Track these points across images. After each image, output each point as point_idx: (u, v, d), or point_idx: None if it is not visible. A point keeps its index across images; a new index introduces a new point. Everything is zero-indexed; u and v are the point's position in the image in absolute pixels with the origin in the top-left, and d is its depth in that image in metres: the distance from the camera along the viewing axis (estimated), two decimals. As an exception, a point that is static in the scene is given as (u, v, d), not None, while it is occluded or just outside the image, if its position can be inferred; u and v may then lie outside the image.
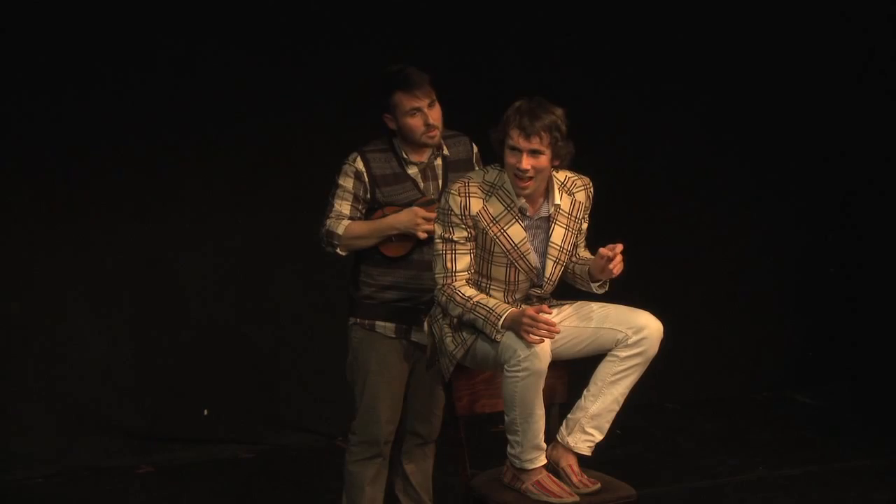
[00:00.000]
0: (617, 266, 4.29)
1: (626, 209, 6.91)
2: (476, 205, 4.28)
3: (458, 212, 4.27)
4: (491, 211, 4.29)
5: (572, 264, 4.47)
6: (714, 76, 7.16)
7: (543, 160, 4.23)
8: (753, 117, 7.28)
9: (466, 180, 4.33)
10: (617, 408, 4.34)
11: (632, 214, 6.97)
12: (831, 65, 7.32)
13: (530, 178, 4.23)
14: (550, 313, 4.17)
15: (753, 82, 7.24)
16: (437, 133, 4.69)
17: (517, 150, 4.21)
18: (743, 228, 7.41)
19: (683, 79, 7.10)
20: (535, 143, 4.20)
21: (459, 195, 4.28)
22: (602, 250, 4.29)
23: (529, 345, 4.08)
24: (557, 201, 4.36)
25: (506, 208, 4.30)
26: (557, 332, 4.12)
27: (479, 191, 4.29)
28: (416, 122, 4.64)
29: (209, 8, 6.21)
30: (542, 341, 4.09)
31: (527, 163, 4.21)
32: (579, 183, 4.44)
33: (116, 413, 6.26)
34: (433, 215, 4.57)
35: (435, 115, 4.65)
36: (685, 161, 7.16)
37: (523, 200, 4.30)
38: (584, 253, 4.53)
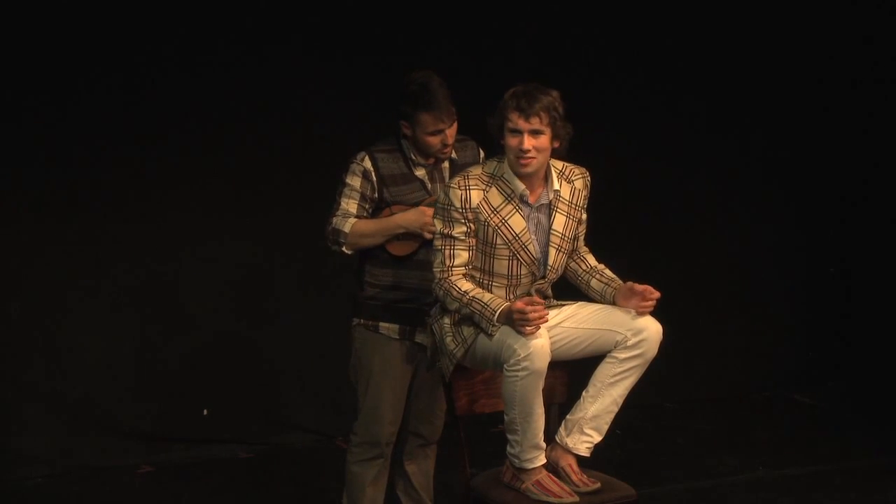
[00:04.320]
0: (647, 309, 4.29)
1: (626, 209, 6.91)
2: (476, 196, 4.29)
3: (458, 205, 4.28)
4: (492, 201, 4.30)
5: (587, 275, 4.48)
6: (715, 76, 7.16)
7: (544, 140, 4.25)
8: (754, 117, 7.28)
9: (466, 173, 4.34)
10: (616, 409, 4.34)
11: (631, 214, 6.97)
12: (831, 65, 7.31)
13: (532, 157, 4.25)
14: (542, 303, 4.17)
15: (754, 83, 7.24)
16: (450, 149, 4.72)
17: (518, 132, 4.24)
18: (743, 228, 7.40)
19: (684, 78, 7.10)
20: (534, 124, 4.23)
21: (459, 188, 4.30)
22: (641, 287, 4.29)
23: (529, 344, 4.08)
24: (557, 187, 4.37)
25: (506, 198, 4.31)
26: (546, 314, 4.11)
27: (479, 182, 4.31)
28: (434, 141, 4.66)
29: (212, 8, 6.21)
30: (537, 329, 4.10)
31: (528, 143, 4.23)
32: (577, 172, 4.46)
33: (116, 413, 6.26)
34: None
35: (452, 133, 4.68)
36: (685, 161, 7.16)
37: (523, 187, 4.30)
38: (583, 248, 4.54)
